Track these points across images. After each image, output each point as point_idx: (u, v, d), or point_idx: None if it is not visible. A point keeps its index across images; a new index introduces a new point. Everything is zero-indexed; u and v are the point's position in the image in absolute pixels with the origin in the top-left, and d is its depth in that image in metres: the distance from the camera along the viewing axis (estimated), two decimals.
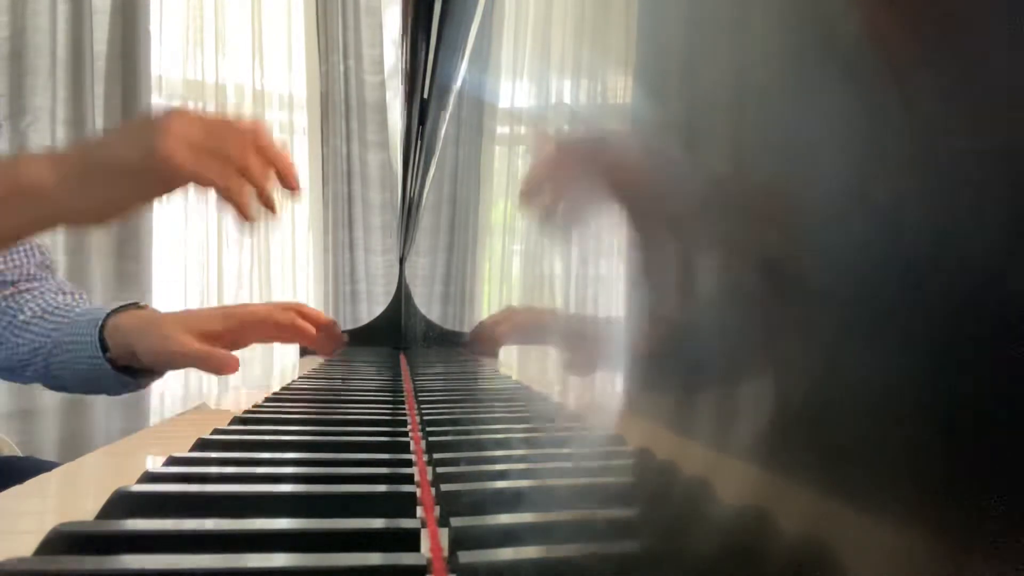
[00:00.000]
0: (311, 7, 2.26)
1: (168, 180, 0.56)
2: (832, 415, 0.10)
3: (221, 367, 0.72)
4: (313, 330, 0.75)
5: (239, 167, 0.58)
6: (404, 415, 0.50)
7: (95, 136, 0.58)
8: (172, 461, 0.34)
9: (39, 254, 0.90)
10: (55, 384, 0.84)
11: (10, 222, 0.53)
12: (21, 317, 0.84)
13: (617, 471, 0.19)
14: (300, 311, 0.79)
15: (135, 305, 0.81)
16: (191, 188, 0.57)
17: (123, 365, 0.79)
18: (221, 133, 0.60)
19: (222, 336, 0.74)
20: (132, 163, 0.55)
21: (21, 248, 0.89)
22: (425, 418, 0.46)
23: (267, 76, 2.23)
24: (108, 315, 0.78)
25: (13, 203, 0.53)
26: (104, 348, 0.78)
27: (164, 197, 0.58)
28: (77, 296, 0.88)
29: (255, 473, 0.32)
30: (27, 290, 0.89)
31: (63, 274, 1.90)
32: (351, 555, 0.22)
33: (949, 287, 0.08)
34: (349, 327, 1.71)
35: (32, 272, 0.90)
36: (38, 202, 0.53)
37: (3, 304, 0.85)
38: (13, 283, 0.88)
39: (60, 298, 0.86)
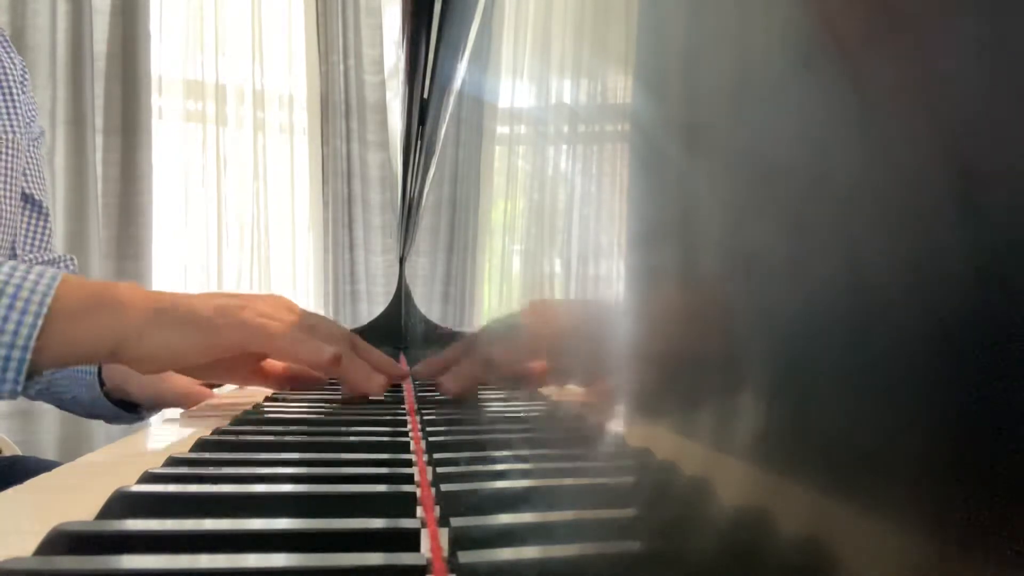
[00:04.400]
0: (311, 7, 2.26)
1: (231, 335, 0.56)
2: (833, 415, 0.10)
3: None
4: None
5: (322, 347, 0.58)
6: (404, 415, 0.50)
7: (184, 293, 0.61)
8: (172, 461, 0.34)
9: (65, 267, 0.91)
10: (58, 404, 0.84)
11: (81, 335, 0.53)
12: None
13: (617, 471, 0.19)
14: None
15: None
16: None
17: (119, 398, 0.80)
18: (313, 322, 0.60)
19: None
20: (206, 315, 0.55)
21: (51, 257, 0.89)
22: (425, 418, 0.46)
23: (267, 76, 2.23)
24: None
25: (95, 316, 0.53)
26: (103, 381, 0.79)
27: (225, 357, 0.57)
28: None
29: (255, 473, 0.32)
30: None
31: None
32: (351, 555, 0.22)
33: (949, 286, 0.08)
34: (349, 327, 1.71)
35: None
36: (114, 321, 0.53)
37: None
38: None
39: None
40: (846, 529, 0.10)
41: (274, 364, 0.65)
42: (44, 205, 0.90)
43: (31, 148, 0.89)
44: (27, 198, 0.89)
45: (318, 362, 0.58)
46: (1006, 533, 0.07)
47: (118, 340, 0.53)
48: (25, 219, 0.88)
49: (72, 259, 0.93)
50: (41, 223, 0.89)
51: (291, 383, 0.66)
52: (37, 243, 0.89)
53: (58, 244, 1.93)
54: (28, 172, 0.89)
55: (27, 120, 0.89)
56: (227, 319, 0.56)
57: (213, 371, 0.62)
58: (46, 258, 0.89)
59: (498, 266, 0.48)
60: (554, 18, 0.33)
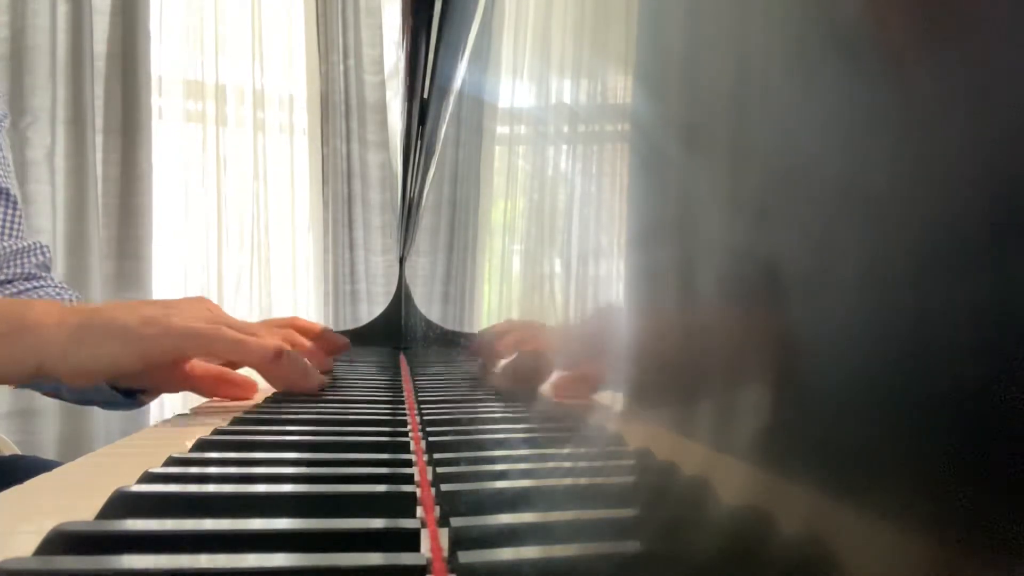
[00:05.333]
0: (311, 7, 2.26)
1: (161, 343, 0.57)
2: (832, 415, 0.10)
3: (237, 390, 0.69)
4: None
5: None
6: (404, 415, 0.50)
7: (105, 303, 0.63)
8: (172, 461, 0.34)
9: (40, 255, 0.89)
10: (52, 392, 0.83)
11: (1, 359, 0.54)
12: None
13: (617, 471, 0.19)
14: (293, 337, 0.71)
15: None
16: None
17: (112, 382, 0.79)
18: (237, 323, 0.61)
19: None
20: (130, 325, 0.56)
21: (23, 245, 0.88)
22: (425, 418, 0.46)
23: (267, 76, 2.23)
24: None
25: (11, 340, 0.54)
26: None
27: (157, 363, 0.58)
28: (75, 302, 0.86)
29: (255, 473, 0.32)
30: (24, 291, 0.87)
31: (63, 274, 1.89)
32: (351, 555, 0.22)
33: (950, 286, 0.08)
34: (349, 327, 1.71)
35: (30, 272, 0.89)
36: (33, 342, 0.54)
37: None
38: (9, 282, 0.87)
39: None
40: (846, 529, 0.10)
41: (197, 366, 0.64)
42: (11, 193, 0.88)
43: None
44: None
45: (259, 360, 0.59)
46: (1006, 533, 0.07)
47: (39, 360, 0.54)
48: None
49: (46, 247, 0.92)
50: (9, 211, 0.88)
51: (219, 387, 0.65)
52: (7, 231, 0.87)
53: (58, 244, 1.93)
54: None
55: None
56: (153, 328, 0.56)
57: (148, 378, 0.63)
58: (18, 246, 0.87)
59: (498, 266, 0.48)
60: (554, 18, 0.33)
